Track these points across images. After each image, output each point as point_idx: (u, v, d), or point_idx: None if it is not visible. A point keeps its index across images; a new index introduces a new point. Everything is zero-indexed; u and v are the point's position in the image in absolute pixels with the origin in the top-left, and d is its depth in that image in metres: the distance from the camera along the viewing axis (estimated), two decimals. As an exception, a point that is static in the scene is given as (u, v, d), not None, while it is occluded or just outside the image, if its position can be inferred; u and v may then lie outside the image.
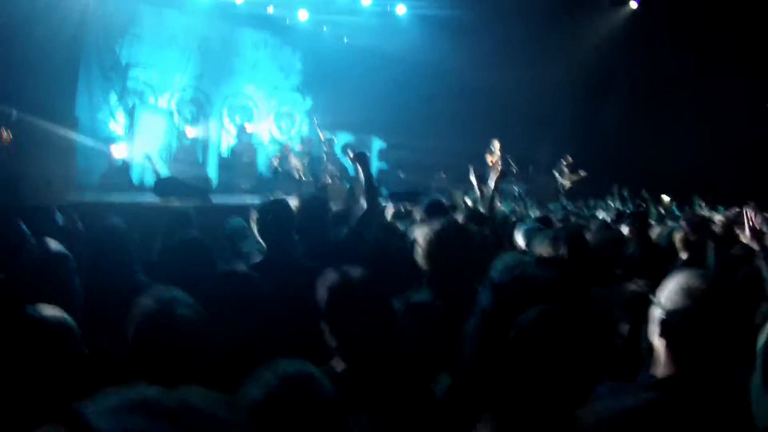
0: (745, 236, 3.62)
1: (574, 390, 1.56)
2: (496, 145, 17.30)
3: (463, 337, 1.63)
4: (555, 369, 1.53)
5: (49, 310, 2.26)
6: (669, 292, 2.06)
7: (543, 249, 3.72)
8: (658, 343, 2.04)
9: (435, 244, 2.99)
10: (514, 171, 17.77)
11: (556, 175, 17.79)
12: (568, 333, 1.57)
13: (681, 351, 1.98)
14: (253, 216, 4.28)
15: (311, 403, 1.68)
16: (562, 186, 17.66)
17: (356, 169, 4.83)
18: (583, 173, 17.54)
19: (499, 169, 16.93)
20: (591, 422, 1.73)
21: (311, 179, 14.08)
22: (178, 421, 0.75)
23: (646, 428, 1.80)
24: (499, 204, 5.80)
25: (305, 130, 17.32)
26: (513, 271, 1.73)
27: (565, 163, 17.90)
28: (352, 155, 5.06)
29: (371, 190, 4.62)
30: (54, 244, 3.35)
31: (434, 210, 5.28)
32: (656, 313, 2.07)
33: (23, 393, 2.01)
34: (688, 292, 2.00)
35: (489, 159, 17.04)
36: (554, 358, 1.53)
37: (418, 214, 5.43)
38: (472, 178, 6.59)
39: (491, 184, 5.64)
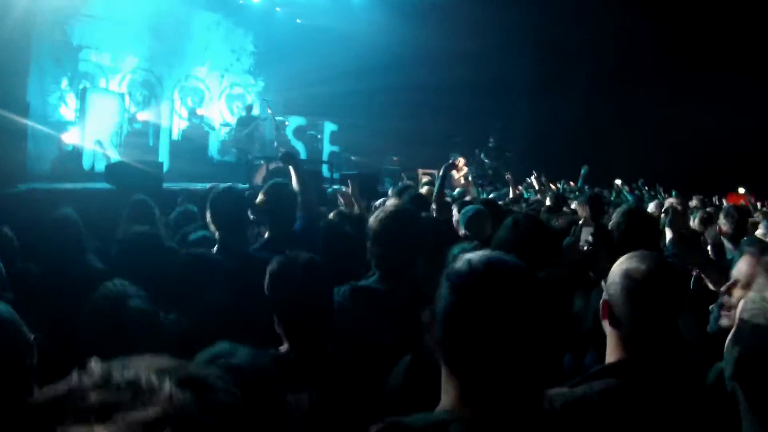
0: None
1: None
2: (461, 168, 17.04)
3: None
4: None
5: None
6: (612, 275, 2.11)
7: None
8: (607, 326, 2.09)
9: (381, 227, 3.09)
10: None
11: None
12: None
13: (626, 333, 2.05)
14: (207, 203, 4.20)
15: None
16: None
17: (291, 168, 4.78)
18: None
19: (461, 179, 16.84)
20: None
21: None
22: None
23: (600, 416, 1.84)
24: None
25: (256, 112, 17.39)
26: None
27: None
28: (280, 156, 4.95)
29: (304, 186, 4.61)
30: None
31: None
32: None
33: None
34: (628, 273, 2.05)
35: (455, 173, 16.93)
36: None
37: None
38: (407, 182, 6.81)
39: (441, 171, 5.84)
